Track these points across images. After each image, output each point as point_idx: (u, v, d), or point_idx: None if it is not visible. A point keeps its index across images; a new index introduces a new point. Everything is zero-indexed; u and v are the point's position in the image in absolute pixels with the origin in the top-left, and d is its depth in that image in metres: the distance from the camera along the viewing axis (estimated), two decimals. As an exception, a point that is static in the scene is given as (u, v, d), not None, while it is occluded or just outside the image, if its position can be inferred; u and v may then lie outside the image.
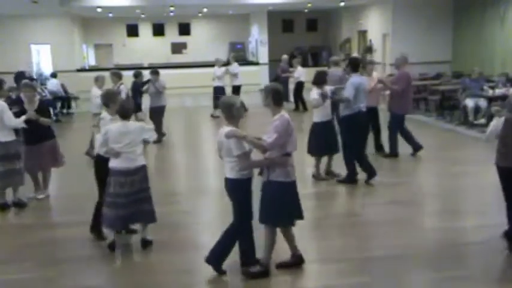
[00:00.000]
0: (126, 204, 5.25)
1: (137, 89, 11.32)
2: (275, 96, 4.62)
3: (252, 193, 4.74)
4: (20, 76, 14.80)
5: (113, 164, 5.27)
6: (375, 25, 18.54)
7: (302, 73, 15.05)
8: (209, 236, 5.76)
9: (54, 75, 16.08)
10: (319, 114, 7.66)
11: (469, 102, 11.50)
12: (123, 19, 23.15)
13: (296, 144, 4.71)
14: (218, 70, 14.24)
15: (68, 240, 5.89)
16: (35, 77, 17.36)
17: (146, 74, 11.75)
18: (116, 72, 9.89)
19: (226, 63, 14.81)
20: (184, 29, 24.44)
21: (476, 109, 11.45)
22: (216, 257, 4.81)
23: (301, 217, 4.84)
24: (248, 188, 4.70)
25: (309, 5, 19.17)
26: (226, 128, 4.56)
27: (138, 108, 11.12)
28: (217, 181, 8.53)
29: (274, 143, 4.49)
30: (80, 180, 8.65)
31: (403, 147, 9.39)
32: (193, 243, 5.65)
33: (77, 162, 9.59)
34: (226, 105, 4.63)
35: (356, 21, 20.19)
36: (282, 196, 4.64)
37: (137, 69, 13.15)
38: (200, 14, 22.62)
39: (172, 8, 18.40)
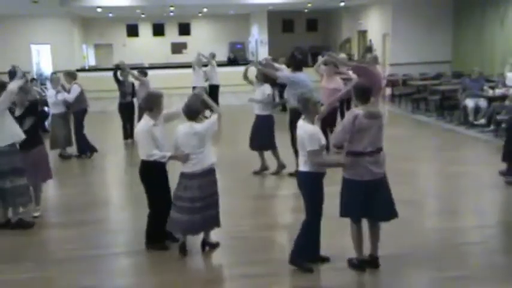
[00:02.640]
0: (203, 208, 5.07)
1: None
2: (357, 93, 4.65)
3: (323, 189, 4.74)
4: (12, 73, 14.76)
5: (186, 168, 5.07)
6: (375, 25, 18.54)
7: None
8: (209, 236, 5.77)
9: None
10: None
11: (469, 102, 11.49)
12: (123, 19, 23.16)
13: (370, 143, 4.55)
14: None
15: (67, 240, 5.88)
16: (30, 75, 17.30)
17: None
18: (70, 72, 9.82)
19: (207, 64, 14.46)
20: (184, 29, 24.46)
21: (476, 109, 11.44)
22: (296, 256, 4.82)
23: (381, 218, 4.83)
24: (318, 183, 4.69)
25: (309, 5, 19.17)
26: (301, 122, 4.65)
27: (131, 107, 10.98)
28: (219, 181, 8.53)
29: (335, 136, 4.66)
30: (79, 180, 8.65)
31: (401, 147, 9.39)
32: (194, 243, 5.64)
33: (76, 162, 9.60)
34: (303, 100, 4.68)
35: (356, 21, 20.18)
36: (346, 192, 4.68)
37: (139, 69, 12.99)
38: (200, 14, 22.64)
39: (172, 8, 18.41)
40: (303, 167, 4.70)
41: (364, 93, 4.64)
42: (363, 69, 8.76)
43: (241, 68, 14.87)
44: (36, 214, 6.51)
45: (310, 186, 4.71)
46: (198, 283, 4.84)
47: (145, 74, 11.29)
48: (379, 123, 4.59)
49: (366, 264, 4.85)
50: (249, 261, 5.15)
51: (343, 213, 4.80)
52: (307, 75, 7.85)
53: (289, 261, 4.86)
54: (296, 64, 7.98)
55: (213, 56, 14.58)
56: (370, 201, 4.67)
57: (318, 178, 4.70)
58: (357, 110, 4.55)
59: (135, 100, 10.98)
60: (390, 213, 4.84)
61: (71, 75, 9.70)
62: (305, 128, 4.62)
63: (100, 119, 13.91)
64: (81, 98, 9.58)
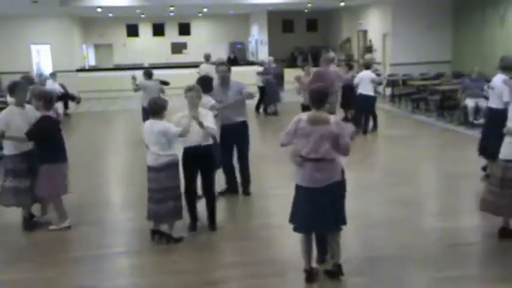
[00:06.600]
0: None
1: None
2: (311, 97, 4.45)
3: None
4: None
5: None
6: (375, 25, 18.54)
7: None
8: (209, 236, 5.78)
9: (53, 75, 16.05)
10: None
11: (469, 102, 11.50)
12: (123, 19, 23.17)
13: (312, 150, 4.34)
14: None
15: (67, 240, 5.89)
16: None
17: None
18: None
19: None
20: (184, 29, 24.46)
21: (476, 109, 11.45)
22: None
23: (311, 229, 4.58)
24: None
25: (309, 5, 19.15)
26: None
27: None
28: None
29: (282, 136, 4.54)
30: (79, 181, 8.65)
31: (401, 147, 9.38)
32: (194, 243, 5.65)
33: (76, 163, 9.59)
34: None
35: (356, 21, 20.18)
36: (295, 199, 4.56)
37: (145, 68, 12.73)
38: (200, 14, 22.64)
39: (172, 8, 18.40)
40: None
41: (318, 97, 4.42)
42: (316, 75, 9.04)
43: (241, 68, 14.90)
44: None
45: None
46: (199, 283, 4.84)
47: (150, 76, 10.91)
48: (322, 130, 4.32)
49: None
50: (250, 262, 5.15)
51: (290, 221, 4.61)
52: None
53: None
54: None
55: (207, 57, 13.58)
56: (313, 211, 4.41)
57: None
58: (301, 115, 4.44)
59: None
60: (333, 224, 4.52)
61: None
62: None
63: (100, 119, 13.90)
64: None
